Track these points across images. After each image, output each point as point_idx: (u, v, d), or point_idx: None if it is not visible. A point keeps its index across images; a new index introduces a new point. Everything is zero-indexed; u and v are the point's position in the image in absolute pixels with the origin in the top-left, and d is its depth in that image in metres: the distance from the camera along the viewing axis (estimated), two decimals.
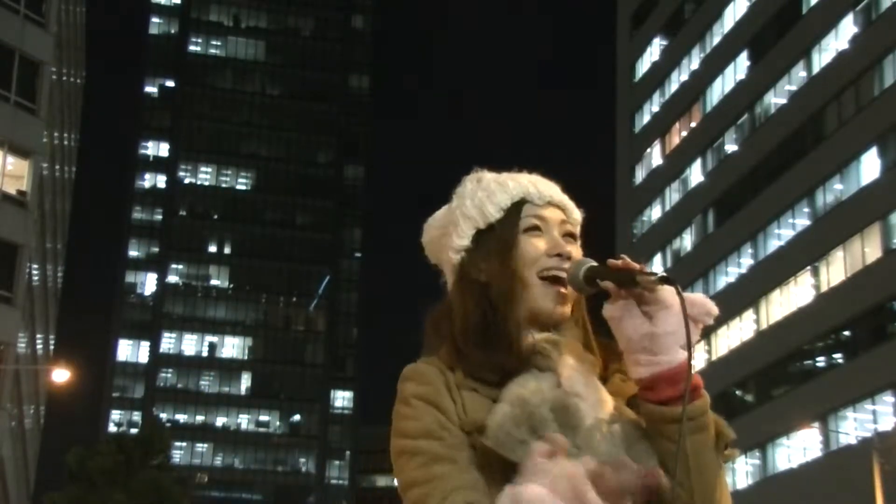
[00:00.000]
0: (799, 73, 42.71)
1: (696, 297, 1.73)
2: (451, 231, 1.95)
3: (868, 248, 36.98)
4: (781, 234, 42.47)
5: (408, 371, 1.85)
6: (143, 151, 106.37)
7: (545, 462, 1.66)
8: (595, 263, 1.78)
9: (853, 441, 35.64)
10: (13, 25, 35.53)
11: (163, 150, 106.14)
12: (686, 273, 48.90)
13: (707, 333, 46.57)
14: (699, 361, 49.66)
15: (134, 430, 71.80)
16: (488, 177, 1.96)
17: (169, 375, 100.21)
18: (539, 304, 1.83)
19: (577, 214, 1.95)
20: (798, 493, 37.79)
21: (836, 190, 39.45)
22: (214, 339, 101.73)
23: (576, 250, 1.88)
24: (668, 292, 1.70)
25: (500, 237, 1.87)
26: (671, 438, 1.69)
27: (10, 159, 35.38)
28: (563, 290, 1.83)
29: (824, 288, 39.19)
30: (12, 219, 34.47)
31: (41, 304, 44.86)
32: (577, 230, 1.95)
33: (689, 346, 1.70)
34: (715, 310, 1.74)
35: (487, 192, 1.92)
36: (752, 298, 43.42)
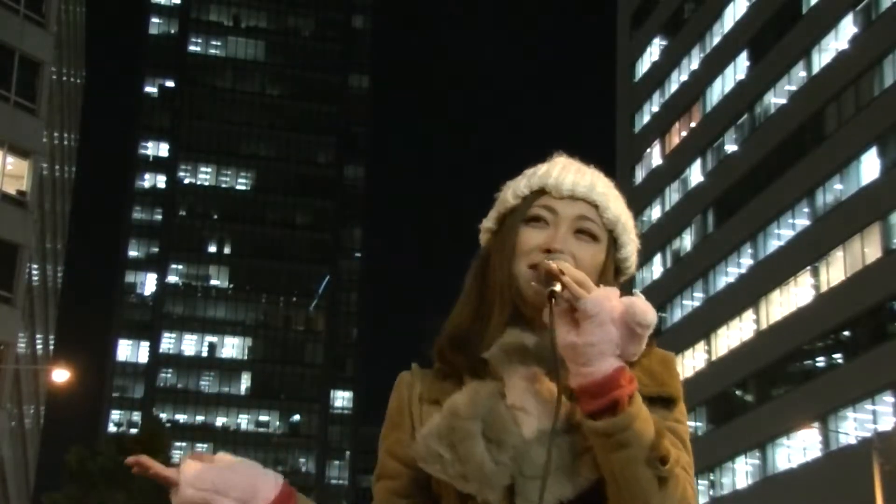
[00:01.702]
0: (799, 73, 42.70)
1: (632, 303, 1.62)
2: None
3: (868, 248, 36.98)
4: (781, 234, 42.46)
5: (397, 380, 1.91)
6: (143, 151, 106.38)
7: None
8: (564, 265, 1.70)
9: (853, 441, 35.64)
10: (13, 25, 35.53)
11: (163, 150, 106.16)
12: (686, 273, 48.93)
13: (707, 333, 46.55)
14: (699, 362, 49.64)
15: (134, 430, 71.86)
16: (548, 162, 1.91)
17: (169, 375, 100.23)
18: (524, 292, 1.78)
19: (610, 213, 1.83)
20: (798, 493, 37.80)
21: (836, 190, 39.44)
22: (214, 339, 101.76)
23: (583, 249, 1.80)
24: (593, 299, 1.61)
25: (507, 225, 1.85)
26: (598, 453, 1.64)
27: (10, 159, 35.38)
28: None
29: (824, 288, 39.19)
30: (12, 219, 34.47)
31: (41, 304, 44.85)
32: (613, 227, 1.84)
33: (555, 360, 1.63)
34: (649, 318, 1.61)
35: (522, 176, 1.90)
36: (752, 298, 43.42)
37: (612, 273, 1.85)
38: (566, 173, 1.86)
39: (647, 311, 1.61)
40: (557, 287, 1.64)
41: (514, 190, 1.88)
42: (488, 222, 1.92)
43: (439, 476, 1.70)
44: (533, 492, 1.65)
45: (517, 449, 1.68)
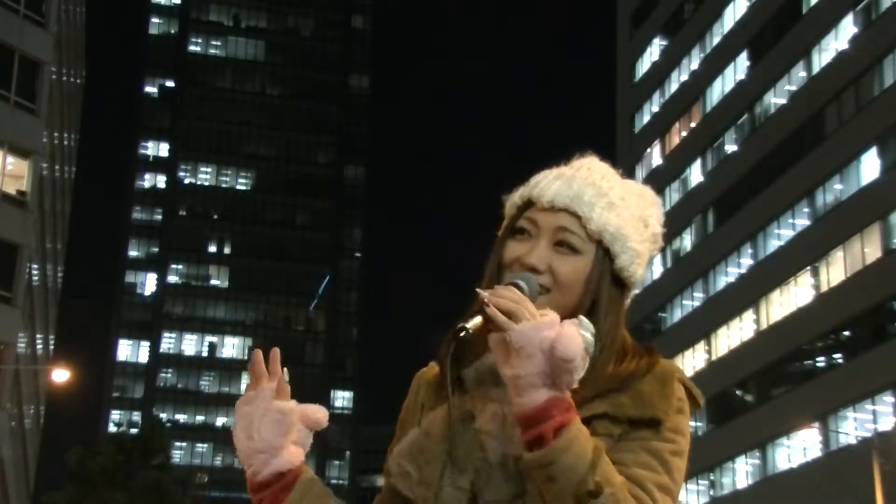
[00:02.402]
0: (799, 73, 42.70)
1: (558, 337, 1.57)
2: None
3: (868, 248, 36.98)
4: (781, 234, 42.46)
5: (415, 377, 1.94)
6: (143, 151, 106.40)
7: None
8: (504, 292, 1.65)
9: (853, 441, 35.64)
10: (13, 25, 35.52)
11: (163, 150, 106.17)
12: (686, 273, 48.94)
13: (707, 333, 46.57)
14: (699, 362, 49.64)
15: (134, 430, 71.88)
16: (546, 172, 1.88)
17: (169, 375, 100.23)
18: None
19: (593, 224, 1.76)
20: (798, 493, 37.79)
21: (836, 190, 39.45)
22: (214, 339, 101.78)
23: (563, 261, 1.75)
24: (518, 332, 1.58)
25: (499, 237, 1.85)
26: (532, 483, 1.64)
27: (10, 159, 35.38)
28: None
29: (824, 288, 39.19)
30: (12, 219, 34.46)
31: (41, 304, 44.86)
32: (602, 237, 1.77)
33: (449, 387, 1.66)
34: (570, 353, 1.56)
35: (524, 186, 1.87)
36: (752, 298, 43.41)
37: (609, 284, 1.79)
38: (553, 182, 1.81)
39: (568, 347, 1.56)
40: (468, 324, 1.64)
41: (512, 201, 1.86)
42: (499, 231, 1.91)
43: (406, 493, 1.74)
44: None
45: (479, 472, 1.69)
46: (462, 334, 1.64)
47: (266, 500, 1.80)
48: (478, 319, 1.64)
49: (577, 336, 1.58)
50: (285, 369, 1.84)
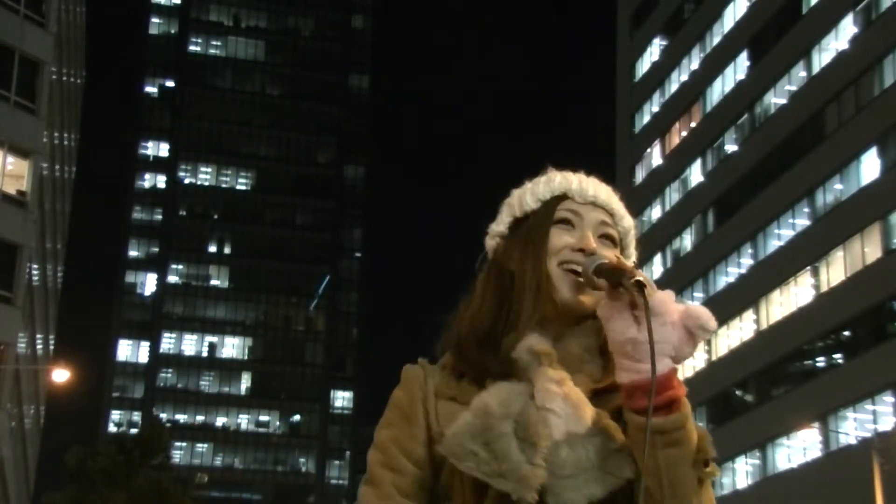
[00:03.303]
0: (799, 73, 42.71)
1: (695, 309, 1.68)
2: (497, 220, 1.99)
3: (868, 248, 36.98)
4: (781, 234, 42.46)
5: (403, 371, 1.91)
6: (143, 151, 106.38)
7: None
8: (606, 260, 1.77)
9: (853, 441, 35.64)
10: (13, 25, 35.52)
11: (163, 150, 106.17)
12: (686, 273, 48.94)
13: None
14: (699, 362, 49.60)
15: (134, 430, 71.87)
16: (551, 173, 1.97)
17: (169, 375, 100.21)
18: (557, 293, 1.82)
19: (626, 222, 1.94)
20: (798, 493, 37.80)
21: (836, 190, 39.45)
22: (214, 339, 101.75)
23: (606, 251, 1.85)
24: (659, 299, 1.66)
25: (531, 226, 1.89)
26: (643, 449, 1.66)
27: (10, 159, 35.37)
28: (580, 280, 1.82)
29: (824, 288, 39.19)
30: (12, 219, 34.46)
31: (41, 304, 44.85)
32: (624, 237, 1.94)
33: (651, 354, 1.64)
34: (712, 324, 1.68)
35: (535, 184, 1.95)
36: (752, 298, 43.42)
37: None
38: (587, 182, 1.93)
39: (710, 317, 1.67)
40: (640, 277, 1.67)
41: (532, 194, 1.93)
42: (499, 227, 1.96)
43: (473, 473, 1.72)
44: (565, 491, 1.69)
45: (548, 450, 1.71)
46: (642, 288, 1.66)
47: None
48: (639, 277, 1.67)
49: (710, 312, 1.68)
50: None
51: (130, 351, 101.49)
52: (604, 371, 1.81)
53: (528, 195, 1.93)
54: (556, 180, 1.93)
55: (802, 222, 41.29)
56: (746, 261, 44.81)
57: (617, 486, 1.69)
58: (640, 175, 55.95)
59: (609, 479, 1.69)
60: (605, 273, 1.72)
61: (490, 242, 1.97)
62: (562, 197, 1.90)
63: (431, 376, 1.88)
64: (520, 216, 1.93)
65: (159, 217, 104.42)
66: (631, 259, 1.95)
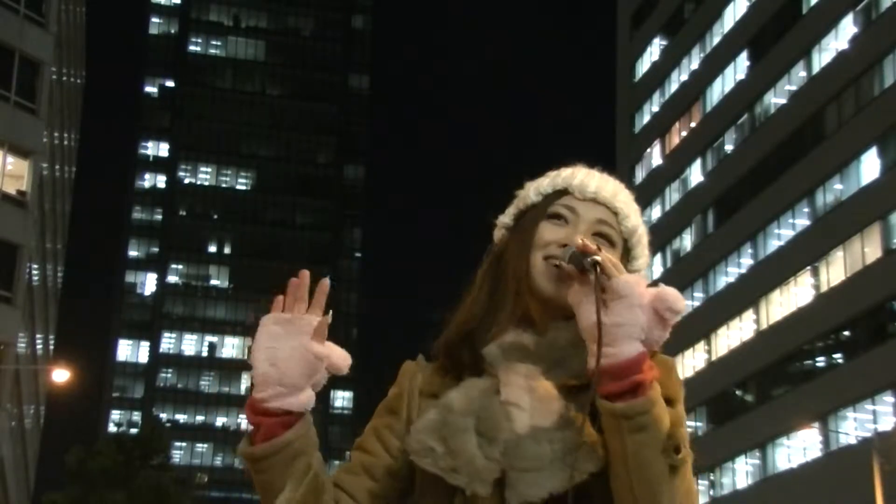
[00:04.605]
0: (799, 73, 42.71)
1: (663, 291, 1.64)
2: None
3: (868, 248, 36.98)
4: (781, 234, 42.46)
5: (400, 368, 1.93)
6: (143, 151, 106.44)
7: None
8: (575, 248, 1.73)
9: (853, 441, 35.63)
10: (13, 25, 35.52)
11: (163, 150, 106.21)
12: (686, 273, 48.93)
13: (707, 333, 46.55)
14: (699, 362, 49.55)
15: (134, 430, 71.86)
16: (570, 168, 1.95)
17: (169, 375, 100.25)
18: (538, 283, 1.80)
19: (630, 222, 1.89)
20: (798, 493, 37.79)
21: (836, 190, 39.45)
22: (214, 339, 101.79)
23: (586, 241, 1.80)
24: (624, 281, 1.64)
25: (526, 219, 1.88)
26: (612, 436, 1.65)
27: (10, 159, 35.37)
28: (560, 272, 1.78)
29: (824, 288, 39.18)
30: (12, 219, 34.46)
31: (41, 304, 44.85)
32: (628, 237, 1.90)
33: (598, 332, 1.63)
34: (680, 305, 1.64)
35: (544, 178, 1.93)
36: (752, 298, 43.41)
37: None
38: (591, 178, 1.89)
39: (678, 299, 1.64)
40: (598, 257, 1.66)
41: (536, 188, 1.91)
42: (505, 218, 1.95)
43: (430, 469, 1.73)
44: (523, 485, 1.67)
45: (508, 443, 1.70)
46: (598, 266, 1.65)
47: (263, 426, 1.80)
48: (598, 258, 1.66)
49: (680, 295, 1.65)
50: (330, 312, 1.83)
51: (130, 351, 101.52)
52: (586, 366, 1.77)
53: (533, 189, 1.91)
54: (562, 175, 1.90)
55: (802, 222, 41.28)
56: (746, 261, 44.80)
57: (581, 480, 1.67)
58: (640, 175, 55.94)
59: (572, 474, 1.66)
60: (573, 259, 1.70)
61: (497, 234, 1.96)
62: (562, 192, 1.87)
63: (422, 371, 1.89)
64: (523, 209, 1.92)
65: (159, 217, 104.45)
66: (640, 261, 1.92)
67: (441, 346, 1.88)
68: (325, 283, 1.84)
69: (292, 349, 1.77)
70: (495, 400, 1.74)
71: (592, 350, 1.65)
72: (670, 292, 1.64)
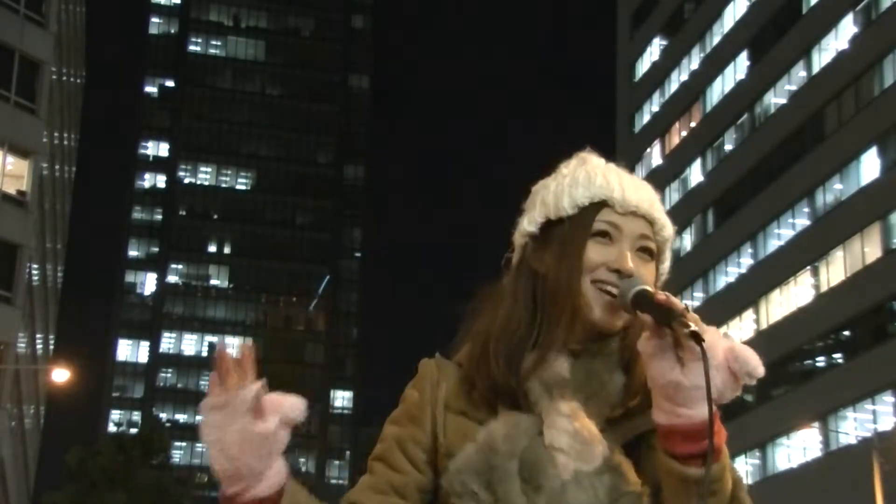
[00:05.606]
0: (799, 73, 42.71)
1: (742, 352, 1.56)
2: (527, 211, 1.84)
3: (868, 248, 36.99)
4: (781, 234, 42.47)
5: (419, 365, 1.84)
6: (143, 151, 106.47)
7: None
8: (649, 288, 1.63)
9: (853, 441, 35.64)
10: (13, 25, 35.52)
11: (163, 150, 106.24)
12: (686, 273, 48.94)
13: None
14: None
15: (134, 430, 71.88)
16: (591, 164, 1.84)
17: (169, 375, 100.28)
18: (587, 311, 1.71)
19: (666, 231, 1.79)
20: (798, 493, 37.80)
21: (836, 190, 39.46)
22: (214, 339, 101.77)
23: (646, 269, 1.74)
24: (708, 343, 1.55)
25: (567, 236, 1.75)
26: (677, 495, 1.60)
27: (10, 159, 35.38)
28: (613, 301, 1.70)
29: (824, 288, 39.19)
30: (12, 219, 34.47)
31: (41, 304, 44.86)
32: (662, 246, 1.80)
33: (709, 406, 1.55)
34: (760, 371, 1.58)
35: (573, 182, 1.79)
36: (752, 298, 43.42)
37: None
38: (628, 188, 1.79)
39: (758, 365, 1.57)
40: (694, 326, 1.54)
41: (570, 197, 1.77)
42: (530, 226, 1.81)
43: None
44: None
45: (553, 491, 1.64)
46: (696, 337, 1.54)
47: None
48: (692, 326, 1.54)
49: (755, 354, 1.57)
50: (263, 379, 1.69)
51: (130, 351, 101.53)
52: (625, 391, 1.72)
53: (566, 197, 1.77)
54: (597, 182, 1.78)
55: (802, 222, 41.29)
56: (746, 261, 44.81)
57: None
58: (639, 175, 54.41)
59: None
60: (649, 307, 1.59)
61: (519, 240, 1.83)
62: (601, 204, 1.76)
63: (445, 379, 1.79)
64: (554, 219, 1.78)
65: (159, 217, 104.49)
66: (665, 264, 1.82)
67: (472, 360, 1.77)
68: (248, 348, 1.71)
69: (237, 433, 1.68)
70: (539, 442, 1.67)
71: (662, 405, 1.58)
72: (751, 356, 1.56)
